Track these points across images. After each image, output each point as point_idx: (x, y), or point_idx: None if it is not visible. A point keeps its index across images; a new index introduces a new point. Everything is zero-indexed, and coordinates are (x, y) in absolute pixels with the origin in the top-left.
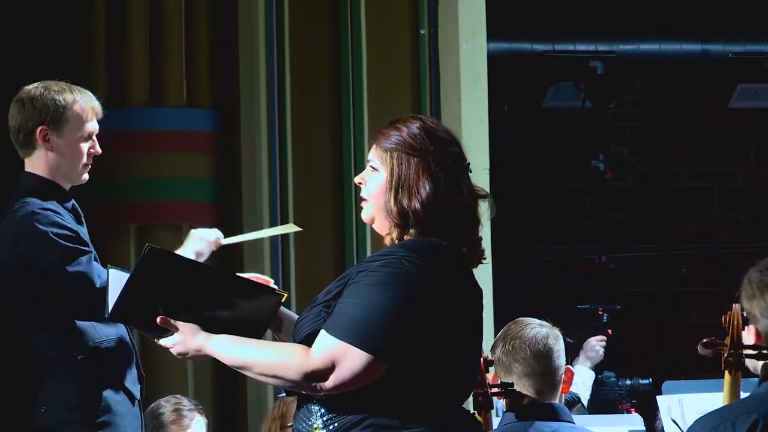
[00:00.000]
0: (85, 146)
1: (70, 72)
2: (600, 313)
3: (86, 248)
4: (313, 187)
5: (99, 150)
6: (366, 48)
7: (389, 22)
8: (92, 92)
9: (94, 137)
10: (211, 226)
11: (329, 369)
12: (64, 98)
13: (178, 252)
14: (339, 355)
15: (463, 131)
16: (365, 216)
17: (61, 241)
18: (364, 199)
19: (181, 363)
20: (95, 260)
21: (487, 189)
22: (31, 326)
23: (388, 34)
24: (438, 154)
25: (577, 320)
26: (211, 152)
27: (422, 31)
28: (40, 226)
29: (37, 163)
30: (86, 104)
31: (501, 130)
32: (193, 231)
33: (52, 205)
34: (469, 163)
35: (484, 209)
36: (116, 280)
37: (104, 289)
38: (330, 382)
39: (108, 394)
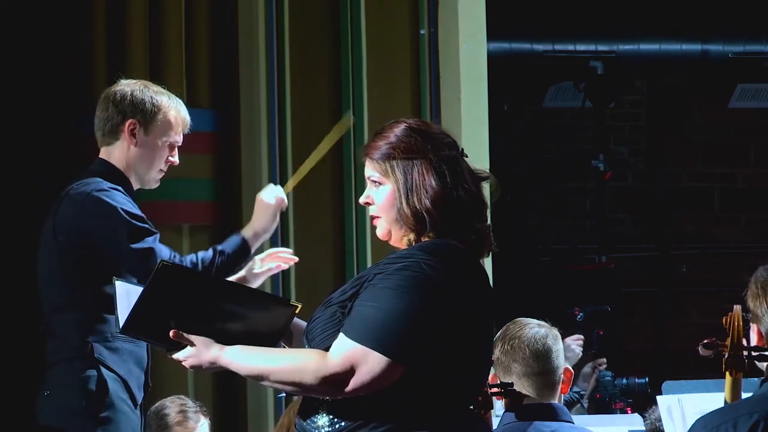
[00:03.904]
0: (165, 153)
1: (70, 72)
2: (576, 312)
3: (153, 229)
4: (313, 188)
5: (177, 161)
6: (366, 48)
7: (389, 22)
8: (92, 92)
9: (176, 148)
10: (211, 226)
11: (348, 372)
12: (161, 100)
13: (243, 231)
14: (358, 359)
15: (463, 131)
16: (380, 233)
17: (130, 219)
18: (376, 217)
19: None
20: (159, 242)
21: (487, 191)
22: (58, 307)
23: (388, 34)
24: (435, 149)
25: (573, 323)
26: (211, 152)
27: (422, 31)
28: (110, 201)
29: (115, 153)
30: (180, 115)
31: (501, 130)
32: (258, 198)
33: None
34: (463, 149)
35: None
36: (123, 292)
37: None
38: (349, 386)
39: (115, 389)
